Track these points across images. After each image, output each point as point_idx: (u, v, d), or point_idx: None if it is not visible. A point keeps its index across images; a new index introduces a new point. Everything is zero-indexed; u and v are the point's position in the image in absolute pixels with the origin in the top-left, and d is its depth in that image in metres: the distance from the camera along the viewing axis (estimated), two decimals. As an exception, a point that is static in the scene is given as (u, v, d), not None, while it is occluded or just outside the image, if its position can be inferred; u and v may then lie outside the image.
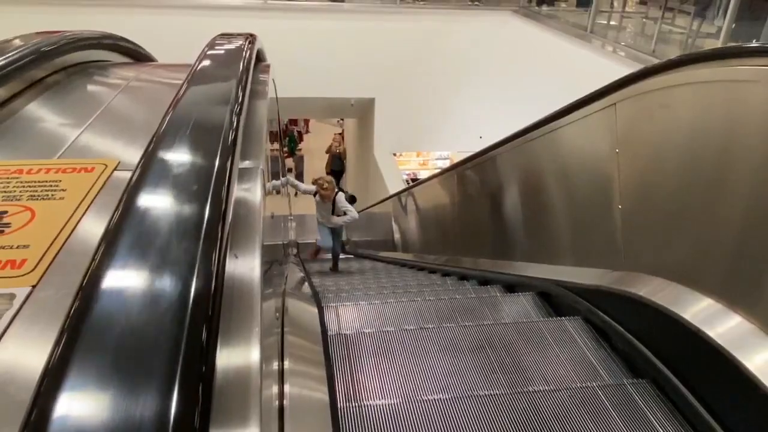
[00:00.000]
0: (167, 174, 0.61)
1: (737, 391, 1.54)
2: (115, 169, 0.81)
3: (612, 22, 7.58)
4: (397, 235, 8.13)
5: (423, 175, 9.94)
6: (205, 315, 0.41)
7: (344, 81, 9.50)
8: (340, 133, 15.17)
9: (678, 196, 1.96)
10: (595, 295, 2.33)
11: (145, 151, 0.67)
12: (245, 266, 0.60)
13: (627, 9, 7.99)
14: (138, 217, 0.54)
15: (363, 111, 11.17)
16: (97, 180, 0.75)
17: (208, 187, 0.56)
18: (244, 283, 0.60)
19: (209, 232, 0.49)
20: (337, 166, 12.45)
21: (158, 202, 0.56)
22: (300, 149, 13.17)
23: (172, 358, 0.36)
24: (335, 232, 6.02)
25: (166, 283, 0.44)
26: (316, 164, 12.53)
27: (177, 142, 0.68)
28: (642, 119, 2.12)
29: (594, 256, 2.54)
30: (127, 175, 0.78)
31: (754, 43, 1.64)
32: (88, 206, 0.70)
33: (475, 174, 4.42)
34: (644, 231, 2.16)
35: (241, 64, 1.01)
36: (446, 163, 10.60)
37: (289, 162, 12.45)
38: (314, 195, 5.65)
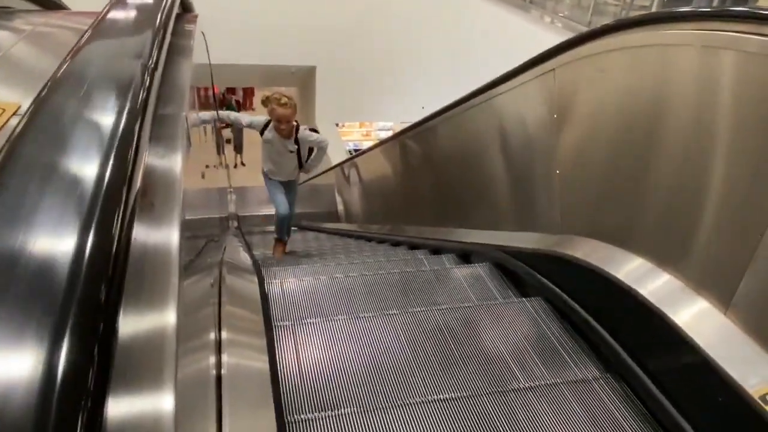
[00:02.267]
0: (59, 125, 0.54)
1: (665, 345, 1.62)
2: (14, 113, 0.73)
3: (551, -7, 7.68)
4: (341, 207, 8.08)
5: (366, 146, 9.90)
6: (104, 270, 0.37)
7: (284, 48, 9.22)
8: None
9: (611, 160, 2.02)
10: (533, 258, 2.39)
11: (37, 96, 0.60)
12: (161, 227, 0.55)
13: (565, -19, 8.10)
14: (24, 166, 0.47)
15: (304, 80, 10.91)
16: (-5, 127, 0.67)
17: (110, 138, 0.50)
18: (160, 244, 0.54)
19: (111, 185, 0.43)
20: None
21: (46, 153, 0.49)
22: (239, 120, 12.79)
23: (64, 307, 0.31)
24: (291, 189, 4.26)
25: (63, 233, 0.38)
26: (256, 135, 12.21)
27: (74, 88, 0.60)
28: (580, 85, 2.16)
29: (534, 220, 2.60)
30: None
31: (684, 8, 1.68)
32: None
33: (418, 143, 4.42)
34: (580, 195, 2.22)
35: (160, 7, 0.92)
36: (389, 134, 10.59)
37: (227, 133, 12.06)
38: (263, 130, 3.82)
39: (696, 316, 1.54)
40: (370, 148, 6.22)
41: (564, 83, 2.21)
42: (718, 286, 1.49)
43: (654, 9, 5.10)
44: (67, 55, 0.65)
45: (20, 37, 1.17)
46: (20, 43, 1.13)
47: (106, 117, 0.53)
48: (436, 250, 3.36)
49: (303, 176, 4.76)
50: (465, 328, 2.02)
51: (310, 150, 4.07)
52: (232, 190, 5.71)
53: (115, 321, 0.34)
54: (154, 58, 0.67)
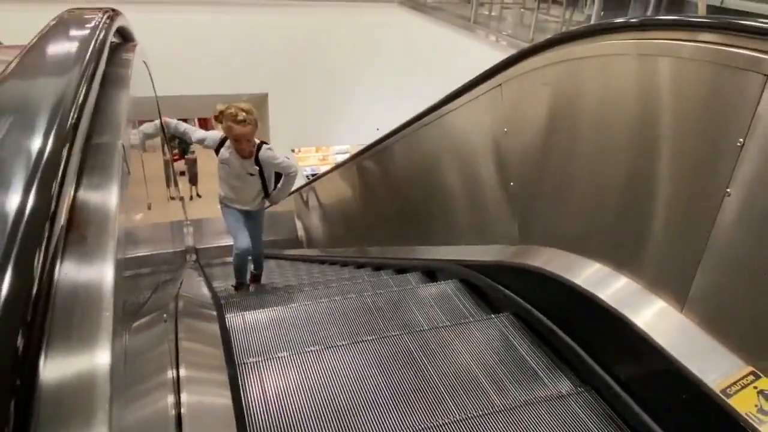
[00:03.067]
0: None
1: (627, 346, 1.64)
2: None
3: (493, 13, 7.92)
4: (301, 232, 8.00)
5: (324, 170, 9.87)
6: (22, 317, 0.33)
7: (235, 76, 9.15)
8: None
9: (562, 170, 2.06)
10: (496, 270, 2.41)
11: None
12: (93, 265, 0.51)
13: (506, 0, 8.37)
14: None
15: (256, 107, 10.82)
16: None
17: (32, 167, 0.46)
18: (92, 282, 0.51)
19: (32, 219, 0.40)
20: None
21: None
22: (193, 151, 12.54)
23: None
24: (254, 220, 3.48)
25: None
26: (212, 167, 12.02)
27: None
28: (527, 98, 2.21)
29: (494, 233, 2.63)
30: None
31: (619, 20, 1.75)
32: None
33: (374, 164, 4.43)
34: (535, 205, 2.26)
35: (94, 38, 0.88)
36: (346, 157, 10.60)
37: (181, 165, 11.82)
38: (218, 148, 3.15)
39: (654, 316, 1.57)
40: (327, 172, 6.21)
41: (511, 98, 2.26)
42: (672, 285, 1.52)
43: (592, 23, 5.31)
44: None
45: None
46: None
47: (30, 146, 0.49)
48: (400, 270, 3.35)
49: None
50: (435, 347, 2.01)
51: (278, 175, 3.40)
52: (188, 222, 5.55)
53: (35, 372, 0.31)
54: (84, 89, 0.64)
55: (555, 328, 1.99)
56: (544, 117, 2.12)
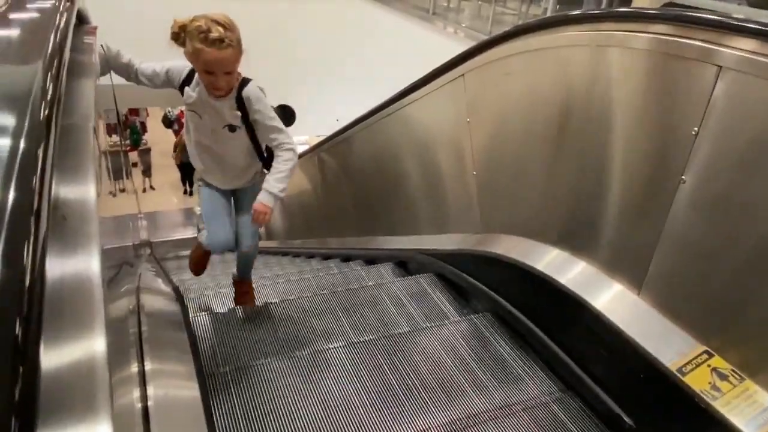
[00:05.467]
0: None
1: (585, 328, 1.70)
2: None
3: (451, 5, 7.97)
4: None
5: (282, 161, 9.74)
6: (18, 307, 0.32)
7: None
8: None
9: (521, 159, 2.11)
10: (458, 258, 2.45)
11: None
12: (80, 254, 0.50)
13: (464, -8, 8.45)
14: None
15: (212, 98, 10.57)
16: None
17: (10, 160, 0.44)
18: (80, 270, 0.49)
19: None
20: (188, 158, 11.60)
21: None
22: (145, 142, 12.15)
23: None
24: (243, 201, 2.28)
25: None
26: (164, 159, 11.67)
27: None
28: (488, 88, 2.24)
29: (457, 222, 2.66)
30: None
31: (574, 12, 1.80)
32: None
33: (335, 155, 4.40)
34: (497, 193, 2.30)
35: (55, 21, 0.83)
36: (305, 149, 10.50)
37: (133, 156, 11.44)
38: (182, 84, 2.05)
39: (612, 299, 1.64)
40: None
41: (474, 88, 2.28)
42: (630, 269, 1.58)
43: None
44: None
45: None
46: None
47: (7, 140, 0.47)
48: (369, 260, 3.34)
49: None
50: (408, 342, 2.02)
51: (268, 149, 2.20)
52: (142, 216, 5.38)
53: (36, 360, 0.30)
54: (53, 79, 0.61)
55: (514, 309, 2.04)
56: (505, 107, 2.16)
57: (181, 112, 12.26)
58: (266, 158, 2.19)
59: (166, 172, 11.47)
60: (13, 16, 0.89)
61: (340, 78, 9.43)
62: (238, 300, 2.45)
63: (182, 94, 2.04)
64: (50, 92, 0.57)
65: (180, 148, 10.89)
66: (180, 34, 1.86)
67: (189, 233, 8.49)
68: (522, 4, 6.83)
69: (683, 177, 1.33)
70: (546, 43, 1.85)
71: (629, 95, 1.54)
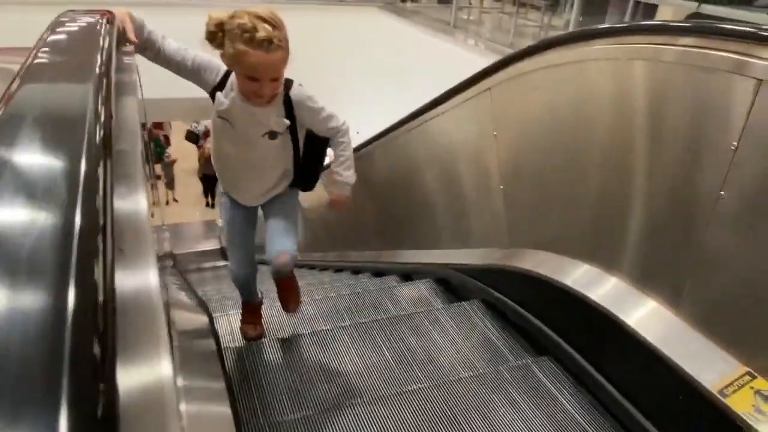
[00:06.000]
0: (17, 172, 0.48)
1: (620, 347, 1.66)
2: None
3: (472, 17, 7.99)
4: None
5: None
6: (94, 325, 0.32)
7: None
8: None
9: (550, 172, 2.08)
10: (486, 273, 2.42)
11: None
12: (140, 272, 0.50)
13: (485, 5, 8.46)
14: None
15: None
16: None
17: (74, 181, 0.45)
18: (143, 289, 0.49)
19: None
20: (212, 170, 11.69)
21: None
22: (168, 155, 12.35)
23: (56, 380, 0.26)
24: (275, 206, 1.97)
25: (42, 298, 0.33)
26: (188, 171, 11.84)
27: (24, 128, 0.54)
28: (515, 102, 2.23)
29: (484, 236, 2.64)
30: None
31: (603, 26, 1.78)
32: None
33: (359, 167, 4.40)
34: (525, 208, 2.27)
35: (101, 42, 0.85)
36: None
37: (157, 169, 11.63)
38: (215, 88, 1.75)
39: (646, 317, 1.60)
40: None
41: (501, 101, 2.27)
42: (666, 285, 1.54)
43: (570, 28, 5.40)
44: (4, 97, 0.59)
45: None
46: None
47: (69, 162, 0.48)
48: (405, 276, 3.26)
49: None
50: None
51: (315, 141, 1.94)
52: (165, 227, 5.45)
53: (113, 379, 0.30)
54: (105, 101, 0.62)
55: (543, 326, 2.00)
56: (533, 121, 2.14)
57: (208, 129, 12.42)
58: (302, 174, 1.94)
59: (190, 184, 11.65)
60: (65, 35, 0.91)
61: (361, 92, 9.49)
62: (282, 299, 2.07)
63: (212, 99, 1.74)
64: (103, 114, 0.58)
65: (202, 162, 11.05)
66: (217, 34, 1.54)
67: (210, 245, 8.59)
68: (543, 16, 6.80)
69: (722, 192, 1.30)
70: (574, 56, 1.83)
71: (662, 108, 1.52)
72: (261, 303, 2.23)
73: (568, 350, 1.88)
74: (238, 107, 1.70)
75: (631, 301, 1.66)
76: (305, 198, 2.39)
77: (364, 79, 9.41)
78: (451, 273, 2.72)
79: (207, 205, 11.36)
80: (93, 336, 0.30)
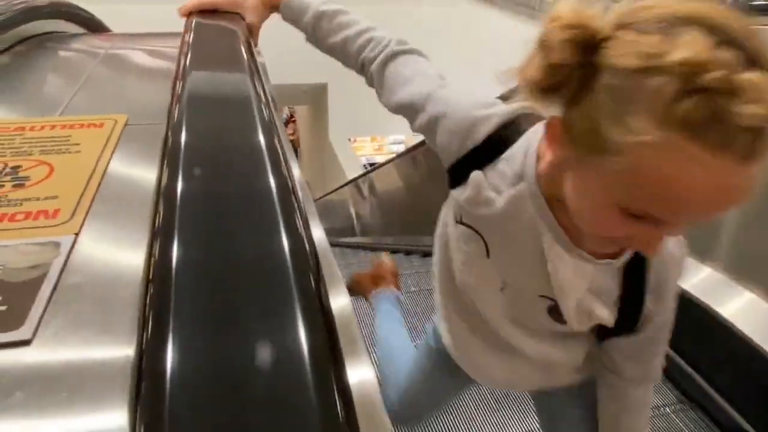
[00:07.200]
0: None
1: (711, 337, 1.62)
2: (126, 124, 0.77)
3: None
4: (355, 221, 8.11)
5: (379, 160, 9.99)
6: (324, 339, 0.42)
7: (294, 67, 9.30)
8: (292, 120, 14.86)
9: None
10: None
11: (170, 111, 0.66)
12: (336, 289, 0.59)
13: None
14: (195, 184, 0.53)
15: (316, 97, 11.00)
16: (111, 134, 0.71)
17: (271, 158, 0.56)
18: (342, 305, 0.57)
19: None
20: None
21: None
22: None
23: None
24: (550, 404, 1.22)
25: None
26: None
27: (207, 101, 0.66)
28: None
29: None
30: (141, 128, 0.75)
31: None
32: (110, 158, 0.66)
33: (429, 158, 4.45)
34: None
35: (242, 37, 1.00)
36: (401, 148, 10.66)
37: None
38: (454, 173, 0.92)
39: (742, 308, 1.55)
40: (383, 164, 6.29)
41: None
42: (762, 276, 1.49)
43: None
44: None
45: (97, 59, 1.23)
46: (99, 66, 1.19)
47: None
48: None
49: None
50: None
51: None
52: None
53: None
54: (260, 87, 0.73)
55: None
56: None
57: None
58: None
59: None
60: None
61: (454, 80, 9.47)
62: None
63: (449, 185, 1.02)
64: (262, 94, 0.69)
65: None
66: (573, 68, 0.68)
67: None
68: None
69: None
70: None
71: None
72: None
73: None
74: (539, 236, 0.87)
75: (725, 291, 1.61)
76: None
77: (445, 65, 9.36)
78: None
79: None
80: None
